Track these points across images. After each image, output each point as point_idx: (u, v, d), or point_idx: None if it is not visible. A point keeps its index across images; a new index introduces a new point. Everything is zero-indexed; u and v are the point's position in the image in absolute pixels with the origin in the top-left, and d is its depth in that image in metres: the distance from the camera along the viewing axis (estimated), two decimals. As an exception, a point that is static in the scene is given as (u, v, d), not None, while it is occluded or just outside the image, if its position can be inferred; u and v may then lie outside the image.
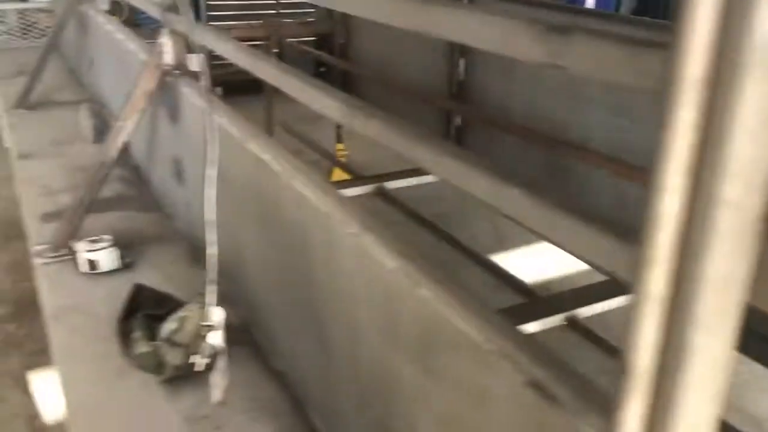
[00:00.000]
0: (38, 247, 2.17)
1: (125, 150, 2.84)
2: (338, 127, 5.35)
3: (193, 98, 1.93)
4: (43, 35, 5.71)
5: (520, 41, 0.70)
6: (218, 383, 1.36)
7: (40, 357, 3.91)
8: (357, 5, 1.00)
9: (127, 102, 2.09)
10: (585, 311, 2.83)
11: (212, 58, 3.34)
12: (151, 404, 1.53)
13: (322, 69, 6.17)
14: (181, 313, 1.59)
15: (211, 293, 1.28)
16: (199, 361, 1.30)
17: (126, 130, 2.08)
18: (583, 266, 3.91)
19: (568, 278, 4.41)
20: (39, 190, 2.62)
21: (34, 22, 5.61)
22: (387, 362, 1.12)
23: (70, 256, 2.11)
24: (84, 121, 3.17)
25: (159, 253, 2.15)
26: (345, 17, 5.86)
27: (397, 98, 4.76)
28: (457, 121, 4.55)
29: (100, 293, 1.94)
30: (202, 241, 2.14)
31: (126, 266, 2.05)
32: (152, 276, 2.01)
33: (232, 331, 1.52)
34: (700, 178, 0.54)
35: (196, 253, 2.16)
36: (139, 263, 2.09)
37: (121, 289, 1.93)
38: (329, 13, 5.84)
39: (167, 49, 2.04)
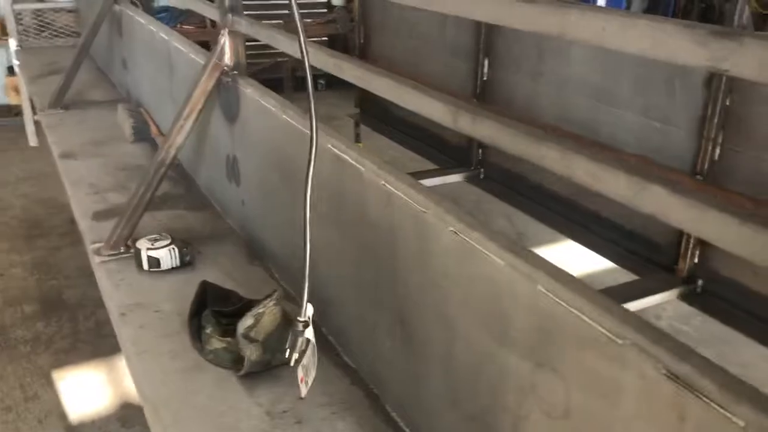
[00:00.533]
0: (95, 245, 2.19)
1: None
2: (356, 126, 5.38)
3: (256, 98, 1.95)
4: (58, 35, 5.76)
5: (681, 45, 0.72)
6: (306, 378, 1.38)
7: (70, 354, 3.95)
8: (496, 14, 1.02)
9: (186, 102, 2.11)
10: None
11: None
12: (232, 398, 1.56)
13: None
14: (258, 310, 1.61)
15: (306, 290, 1.31)
16: (294, 356, 1.32)
17: (186, 129, 2.11)
18: (607, 265, 3.95)
19: (590, 277, 4.44)
20: (87, 189, 2.64)
21: (50, 22, 5.65)
22: (491, 358, 1.14)
23: (128, 254, 2.13)
24: (123, 120, 3.19)
25: (216, 251, 2.18)
26: (364, 17, 5.88)
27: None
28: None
29: (164, 291, 1.96)
30: (258, 238, 2.17)
31: (186, 264, 2.07)
32: (212, 273, 2.03)
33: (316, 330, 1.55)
34: None
35: (252, 250, 2.19)
36: (198, 261, 2.11)
37: (183, 287, 1.96)
38: (348, 13, 5.88)
39: (227, 49, 2.06)
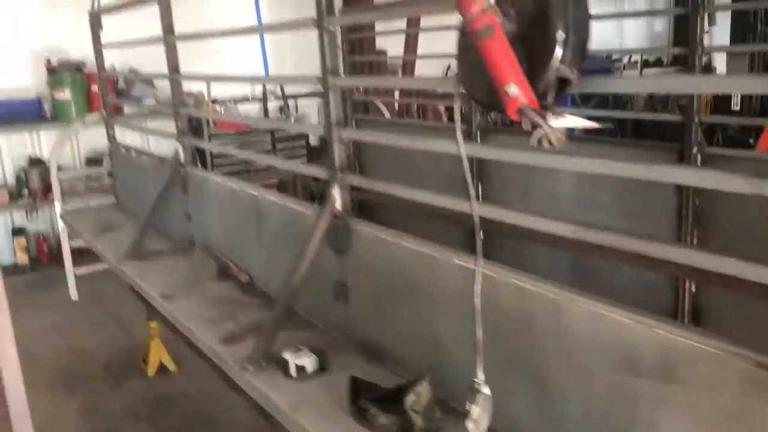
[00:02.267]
0: (235, 363, 2.71)
1: (250, 285, 3.45)
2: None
3: (369, 232, 2.59)
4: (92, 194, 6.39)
5: (733, 183, 1.41)
6: (481, 426, 1.91)
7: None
8: (500, 155, 1.72)
9: (308, 242, 2.72)
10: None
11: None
12: (410, 457, 2.07)
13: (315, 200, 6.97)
14: (417, 388, 2.16)
15: (479, 360, 1.88)
16: (472, 410, 1.87)
17: (307, 262, 2.70)
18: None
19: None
20: (202, 322, 3.16)
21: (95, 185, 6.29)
22: (623, 387, 1.73)
23: (268, 366, 2.65)
24: (205, 263, 3.75)
25: (339, 357, 2.71)
26: (358, 154, 6.64)
27: (419, 221, 5.48)
28: (481, 235, 5.26)
29: (315, 390, 2.48)
30: (371, 344, 2.72)
31: (323, 369, 2.60)
32: (346, 373, 2.56)
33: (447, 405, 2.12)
34: None
35: (366, 353, 2.73)
36: (330, 366, 2.64)
37: (328, 386, 2.49)
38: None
39: (338, 199, 2.71)
